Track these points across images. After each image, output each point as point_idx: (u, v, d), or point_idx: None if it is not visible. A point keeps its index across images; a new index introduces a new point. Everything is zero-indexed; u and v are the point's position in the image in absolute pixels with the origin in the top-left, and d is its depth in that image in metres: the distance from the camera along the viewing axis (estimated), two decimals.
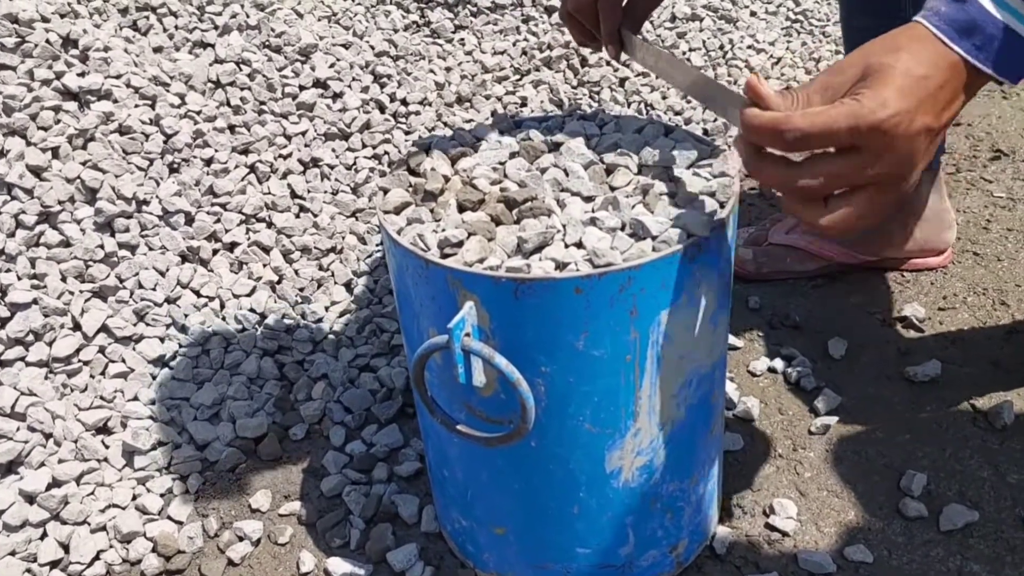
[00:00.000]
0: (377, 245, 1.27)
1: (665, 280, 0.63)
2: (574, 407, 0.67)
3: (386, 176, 0.76)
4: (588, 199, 0.71)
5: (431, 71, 1.52)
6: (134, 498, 0.95)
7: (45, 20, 1.23)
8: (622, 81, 1.65)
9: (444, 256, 0.66)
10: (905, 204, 1.16)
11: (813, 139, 0.54)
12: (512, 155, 0.77)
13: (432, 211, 0.72)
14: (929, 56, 0.55)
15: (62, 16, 1.26)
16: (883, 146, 0.53)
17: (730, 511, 0.89)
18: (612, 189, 0.72)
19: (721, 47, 1.79)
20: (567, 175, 0.73)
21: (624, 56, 0.86)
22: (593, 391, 0.67)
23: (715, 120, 1.62)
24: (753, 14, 1.94)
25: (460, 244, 0.66)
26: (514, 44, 1.64)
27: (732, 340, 1.09)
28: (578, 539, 0.76)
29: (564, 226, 0.67)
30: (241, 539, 0.91)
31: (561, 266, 0.63)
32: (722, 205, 0.67)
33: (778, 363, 1.06)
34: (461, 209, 0.71)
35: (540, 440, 0.69)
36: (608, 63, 1.66)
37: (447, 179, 0.74)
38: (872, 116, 0.53)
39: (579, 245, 0.65)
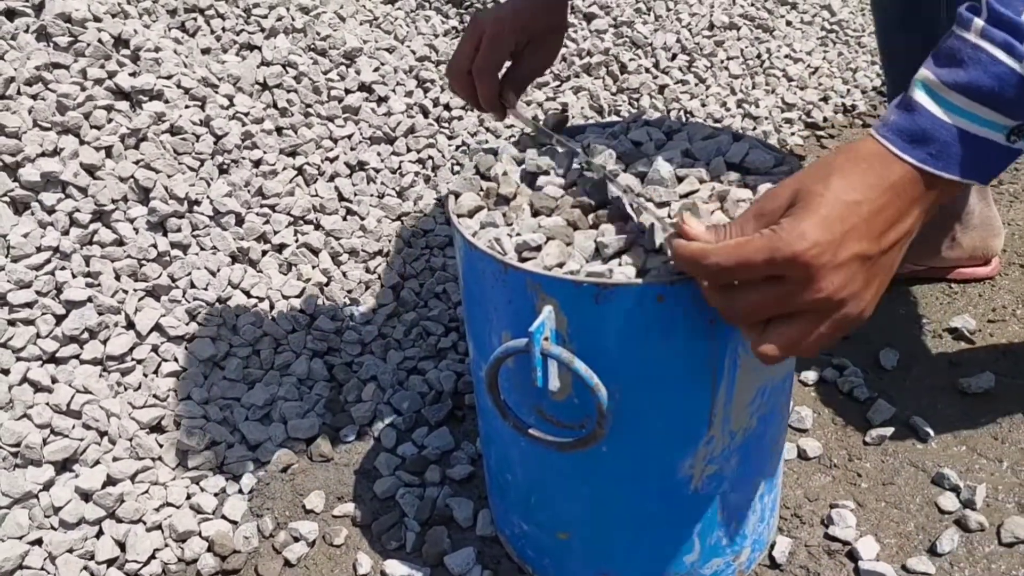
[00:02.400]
0: (422, 249, 1.27)
1: None
2: (649, 414, 0.67)
3: (456, 180, 0.77)
4: (662, 205, 0.71)
5: None
6: (188, 497, 0.96)
7: (97, 20, 1.24)
8: (661, 88, 1.65)
9: (522, 260, 0.66)
10: (948, 215, 1.15)
11: (732, 272, 0.53)
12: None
13: (504, 215, 0.72)
14: (866, 179, 0.53)
15: (113, 16, 1.27)
16: (806, 277, 0.51)
17: (789, 520, 0.88)
18: (685, 195, 0.72)
19: (758, 56, 1.79)
20: (640, 181, 0.73)
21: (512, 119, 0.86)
22: (669, 398, 0.67)
23: (754, 128, 1.62)
24: (789, 24, 1.94)
25: (538, 248, 0.66)
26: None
27: None
28: (643, 545, 0.75)
29: (643, 232, 0.67)
30: (297, 540, 0.91)
31: (643, 272, 0.63)
32: None
33: (829, 373, 1.06)
34: (535, 213, 0.71)
35: (612, 446, 0.69)
36: (647, 70, 1.66)
37: (519, 184, 0.74)
38: (788, 248, 0.51)
39: (658, 251, 0.65)
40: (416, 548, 0.89)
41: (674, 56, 1.72)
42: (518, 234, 0.68)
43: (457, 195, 0.75)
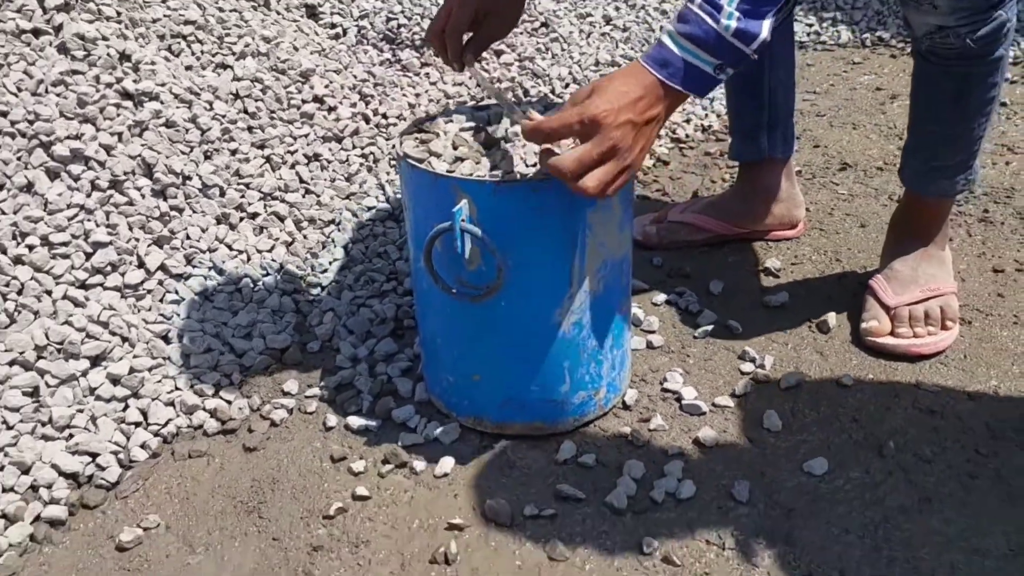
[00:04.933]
0: (367, 220, 1.61)
1: None
2: (531, 274, 1.02)
3: (402, 135, 1.12)
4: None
5: (404, 95, 1.89)
6: (192, 386, 1.25)
7: (105, 39, 1.56)
8: None
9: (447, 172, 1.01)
10: (765, 191, 1.56)
11: (559, 132, 0.88)
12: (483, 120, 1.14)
13: (433, 149, 1.07)
14: (632, 80, 0.89)
15: (116, 37, 1.59)
16: (600, 130, 0.85)
17: (637, 383, 1.24)
18: None
19: None
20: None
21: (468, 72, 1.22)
22: (544, 263, 1.02)
23: None
24: None
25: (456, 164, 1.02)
26: (469, 77, 2.02)
27: (640, 284, 1.45)
28: (531, 378, 1.10)
29: (524, 157, 1.03)
30: (278, 409, 1.22)
31: (524, 176, 0.99)
32: None
33: (673, 297, 1.43)
34: (455, 147, 1.07)
35: (507, 299, 1.03)
36: (545, 96, 2.06)
37: (445, 133, 1.10)
38: (589, 112, 0.85)
39: (535, 166, 1.02)
40: (370, 410, 1.21)
41: (567, 85, 2.13)
42: (443, 160, 1.04)
43: (401, 142, 1.10)
